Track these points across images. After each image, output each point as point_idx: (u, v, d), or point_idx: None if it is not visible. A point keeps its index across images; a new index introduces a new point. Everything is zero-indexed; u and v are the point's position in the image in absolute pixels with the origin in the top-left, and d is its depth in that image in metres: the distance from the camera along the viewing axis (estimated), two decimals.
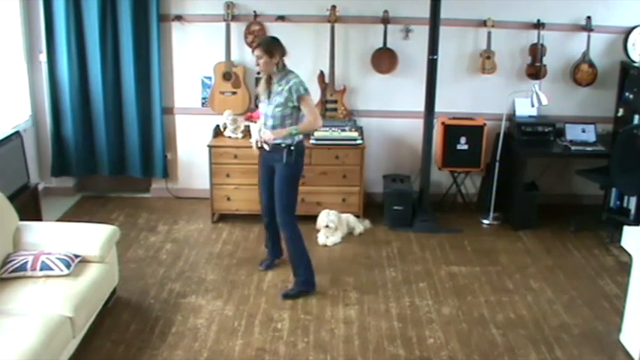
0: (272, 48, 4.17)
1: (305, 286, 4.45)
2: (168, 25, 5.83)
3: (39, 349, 3.08)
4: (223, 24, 5.70)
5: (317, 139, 5.49)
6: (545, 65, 5.79)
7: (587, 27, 5.70)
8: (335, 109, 5.85)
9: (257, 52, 4.20)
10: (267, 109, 4.31)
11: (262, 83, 4.35)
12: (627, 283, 3.96)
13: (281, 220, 4.40)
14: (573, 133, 5.74)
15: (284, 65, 4.26)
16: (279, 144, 4.27)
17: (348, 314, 4.25)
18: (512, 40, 5.81)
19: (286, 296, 4.41)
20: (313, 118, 4.27)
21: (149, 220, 5.74)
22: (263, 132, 4.35)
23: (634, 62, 5.69)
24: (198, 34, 5.85)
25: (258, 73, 4.34)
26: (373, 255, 5.14)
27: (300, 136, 4.34)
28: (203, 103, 6.00)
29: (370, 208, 5.82)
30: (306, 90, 4.23)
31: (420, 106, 5.58)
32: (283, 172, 4.31)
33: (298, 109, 4.26)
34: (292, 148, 4.27)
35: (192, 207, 6.01)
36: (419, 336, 4.02)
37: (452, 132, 5.75)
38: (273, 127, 4.27)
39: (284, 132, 4.24)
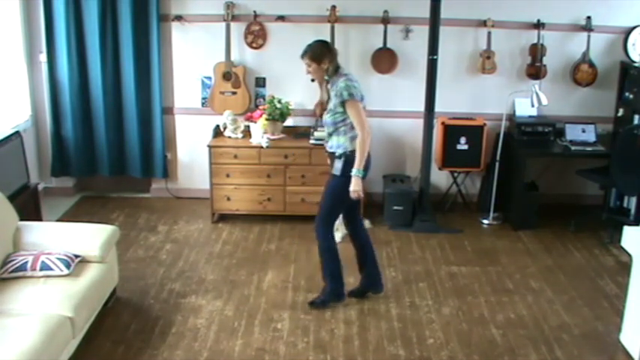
0: (318, 54, 3.97)
1: (332, 297, 4.27)
2: (168, 25, 5.83)
3: (39, 349, 3.08)
4: (223, 24, 5.70)
5: (317, 139, 5.47)
6: (545, 65, 5.79)
7: (587, 27, 5.69)
8: None
9: (305, 60, 4.01)
10: (325, 116, 4.11)
11: (324, 91, 4.17)
12: (627, 283, 3.96)
13: (317, 226, 4.22)
14: (573, 133, 5.74)
15: (335, 70, 4.01)
16: (333, 152, 4.08)
17: (348, 314, 4.24)
18: (512, 40, 5.81)
19: (312, 304, 4.29)
20: (359, 128, 3.94)
21: (149, 220, 5.74)
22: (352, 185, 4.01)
23: (634, 62, 5.68)
24: (198, 34, 5.85)
25: (313, 80, 4.14)
26: None
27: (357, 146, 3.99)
28: (203, 103, 6.00)
29: (370, 208, 5.80)
30: (350, 95, 3.92)
31: (420, 106, 5.58)
32: (333, 182, 4.06)
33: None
34: (347, 156, 4.00)
35: (192, 207, 6.01)
36: (419, 336, 4.02)
37: (452, 132, 5.75)
38: (329, 135, 4.08)
39: (354, 178, 3.96)
